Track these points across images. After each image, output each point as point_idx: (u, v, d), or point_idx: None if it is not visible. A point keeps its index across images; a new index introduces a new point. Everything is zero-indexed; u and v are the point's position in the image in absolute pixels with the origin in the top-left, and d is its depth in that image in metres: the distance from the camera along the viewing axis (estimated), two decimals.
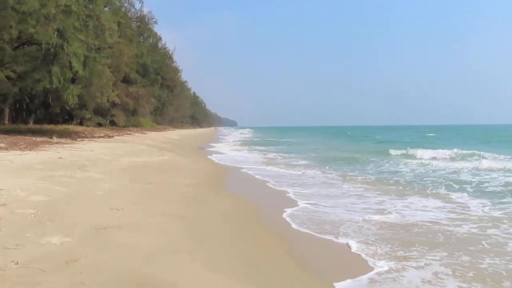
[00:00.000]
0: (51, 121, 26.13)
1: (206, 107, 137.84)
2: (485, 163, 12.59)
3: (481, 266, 3.85)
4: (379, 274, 3.62)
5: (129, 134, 28.12)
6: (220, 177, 10.56)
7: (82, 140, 17.50)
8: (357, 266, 3.84)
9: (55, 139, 15.30)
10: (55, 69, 16.38)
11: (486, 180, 9.66)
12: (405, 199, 7.39)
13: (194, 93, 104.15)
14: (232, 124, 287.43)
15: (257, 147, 26.44)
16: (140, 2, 40.05)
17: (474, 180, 9.71)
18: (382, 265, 3.81)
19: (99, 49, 18.40)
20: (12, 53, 17.31)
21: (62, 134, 18.25)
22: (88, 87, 20.35)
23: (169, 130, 49.06)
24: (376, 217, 5.75)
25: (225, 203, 6.86)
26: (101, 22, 17.58)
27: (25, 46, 18.15)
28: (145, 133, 31.96)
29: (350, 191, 8.27)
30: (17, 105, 24.91)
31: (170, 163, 12.39)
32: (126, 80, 34.22)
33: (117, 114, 35.23)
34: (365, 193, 8.01)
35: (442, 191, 8.36)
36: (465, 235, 4.89)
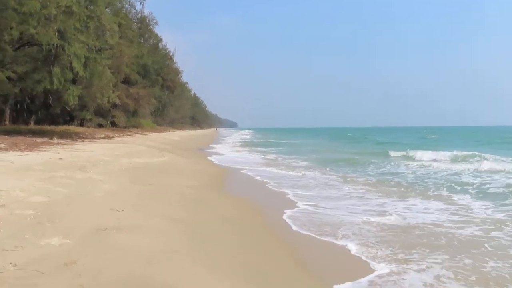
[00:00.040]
0: (51, 122, 26.15)
1: (207, 108, 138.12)
2: (486, 165, 12.55)
3: (484, 269, 3.80)
4: (379, 276, 3.59)
5: (129, 135, 28.12)
6: (221, 178, 10.53)
7: (83, 141, 17.49)
8: (358, 269, 3.81)
9: (55, 140, 15.30)
10: (56, 70, 16.40)
11: (488, 181, 9.62)
12: (407, 200, 7.36)
13: (195, 94, 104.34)
14: (232, 125, 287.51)
15: (257, 148, 26.42)
16: (140, 4, 40.06)
17: (475, 181, 9.67)
18: (382, 268, 3.78)
19: (99, 50, 18.41)
20: (13, 54, 17.33)
21: (62, 135, 18.25)
22: (89, 88, 20.36)
23: (169, 131, 49.06)
24: (377, 219, 5.72)
25: (225, 204, 6.83)
26: (102, 23, 17.61)
27: (26, 47, 18.18)
28: (146, 134, 31.96)
29: (351, 192, 8.24)
30: (18, 106, 24.92)
31: (170, 164, 12.37)
32: (127, 81, 34.25)
33: (118, 115, 35.24)
34: (366, 194, 7.98)
35: (444, 192, 8.32)
36: (467, 238, 4.85)
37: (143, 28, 42.19)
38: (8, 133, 15.32)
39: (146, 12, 43.03)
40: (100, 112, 31.38)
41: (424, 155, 17.17)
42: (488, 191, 8.35)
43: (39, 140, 14.51)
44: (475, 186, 9.03)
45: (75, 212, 4.79)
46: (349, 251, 4.34)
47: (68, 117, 28.54)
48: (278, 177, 10.75)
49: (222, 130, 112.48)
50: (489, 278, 3.59)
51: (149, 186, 7.52)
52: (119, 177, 8.13)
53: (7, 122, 21.64)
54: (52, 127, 22.34)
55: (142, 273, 3.19)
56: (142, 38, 42.60)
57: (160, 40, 49.83)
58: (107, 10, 21.25)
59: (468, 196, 7.83)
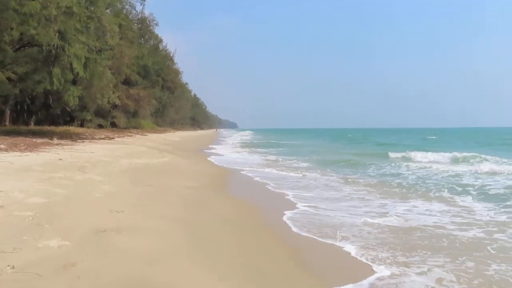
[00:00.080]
0: (52, 123, 26.15)
1: (207, 109, 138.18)
2: (487, 166, 12.52)
3: (487, 272, 3.75)
4: (380, 279, 3.56)
5: (129, 135, 28.11)
6: (221, 179, 10.51)
7: (83, 141, 17.48)
8: (358, 271, 3.77)
9: (55, 141, 15.28)
10: (56, 70, 16.40)
11: (489, 183, 9.58)
12: (408, 202, 7.32)
13: (195, 95, 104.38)
14: (232, 126, 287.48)
15: (257, 149, 26.39)
16: (141, 5, 40.08)
17: (476, 183, 9.64)
18: (383, 270, 3.74)
19: (100, 50, 18.41)
20: (13, 55, 17.33)
21: (62, 136, 18.24)
22: (89, 89, 20.35)
23: (169, 131, 49.05)
24: (378, 221, 5.68)
25: (225, 205, 6.81)
26: (102, 24, 17.62)
27: (26, 47, 18.18)
28: (146, 135, 31.96)
29: (352, 194, 8.20)
30: (18, 107, 24.92)
31: (170, 165, 12.34)
32: (127, 82, 34.25)
33: (118, 115, 35.25)
34: (367, 196, 7.95)
35: (445, 194, 8.28)
36: (470, 240, 4.80)
37: (143, 29, 42.23)
38: (8, 133, 15.31)
39: (146, 13, 43.20)
40: (100, 113, 31.38)
41: (424, 156, 17.15)
42: (490, 192, 8.31)
43: (39, 140, 14.50)
44: (476, 187, 9.00)
45: (74, 214, 4.76)
46: (350, 253, 4.30)
47: (68, 118, 28.54)
48: (278, 178, 10.72)
49: (222, 131, 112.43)
50: (492, 282, 3.54)
51: (149, 187, 7.49)
52: (119, 178, 8.10)
53: (7, 123, 21.64)
54: (52, 128, 22.34)
55: (142, 274, 3.16)
56: (142, 39, 42.63)
57: (161, 41, 49.91)
58: (108, 11, 21.27)
59: (470, 197, 7.79)
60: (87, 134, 22.16)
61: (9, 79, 17.61)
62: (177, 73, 55.89)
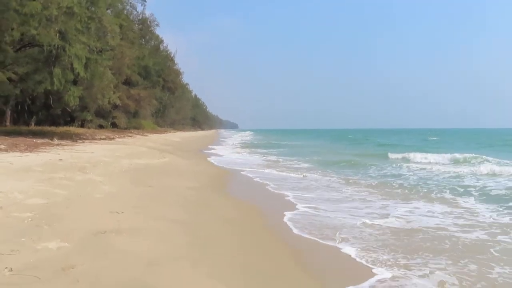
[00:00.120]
0: (52, 123, 26.15)
1: (207, 109, 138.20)
2: (488, 167, 12.47)
3: (490, 276, 3.70)
4: (380, 281, 3.52)
5: (130, 136, 28.12)
6: (222, 180, 10.48)
7: (83, 142, 17.47)
8: (358, 273, 3.74)
9: (56, 141, 15.27)
10: (57, 70, 16.39)
11: (490, 184, 9.55)
12: (410, 203, 7.28)
13: (196, 96, 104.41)
14: (233, 126, 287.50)
15: (258, 150, 26.36)
16: (142, 5, 40.13)
17: (478, 184, 9.60)
18: (384, 273, 3.70)
19: (100, 51, 18.41)
20: (14, 55, 17.34)
21: (63, 136, 18.24)
22: (90, 89, 20.35)
23: (170, 132, 49.05)
24: (379, 222, 5.64)
25: (225, 206, 6.78)
26: (103, 24, 17.62)
27: (27, 48, 18.19)
28: (146, 135, 31.96)
29: (353, 195, 8.17)
30: (19, 107, 24.94)
31: (171, 166, 12.32)
32: (128, 82, 34.26)
33: (119, 116, 35.26)
34: (368, 197, 7.91)
35: (447, 195, 8.24)
36: (472, 242, 4.76)
37: (144, 30, 42.24)
38: (8, 134, 15.30)
39: (147, 13, 43.18)
40: (100, 113, 31.39)
41: (424, 157, 17.11)
42: (491, 194, 8.27)
43: (39, 141, 14.49)
44: (478, 188, 8.95)
45: (74, 215, 4.74)
46: (350, 254, 4.26)
47: (69, 118, 28.55)
48: (279, 179, 10.69)
49: (223, 132, 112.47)
50: (495, 285, 3.50)
51: (149, 187, 7.47)
52: (120, 178, 8.08)
53: (7, 123, 21.65)
54: (53, 128, 22.35)
55: (142, 277, 3.13)
56: (143, 40, 42.64)
57: (161, 41, 49.94)
58: (108, 11, 21.28)
59: (472, 198, 7.75)
60: (87, 135, 22.15)
61: (9, 79, 17.62)
62: (177, 73, 55.93)
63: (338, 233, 5.06)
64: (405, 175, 11.87)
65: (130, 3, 34.15)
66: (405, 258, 4.11)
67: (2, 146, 11.18)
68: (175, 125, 67.82)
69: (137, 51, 33.25)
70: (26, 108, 25.28)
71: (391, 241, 4.73)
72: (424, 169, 13.09)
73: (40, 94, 21.14)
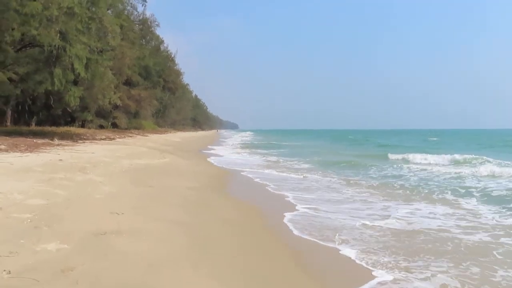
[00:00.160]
0: (53, 123, 26.16)
1: (208, 110, 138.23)
2: (489, 168, 12.44)
3: (494, 279, 3.64)
4: (381, 283, 3.49)
5: (130, 136, 28.12)
6: (222, 180, 10.46)
7: (84, 142, 17.46)
8: (358, 275, 3.70)
9: (56, 141, 15.27)
10: (57, 71, 16.39)
11: (491, 185, 9.52)
12: (411, 204, 7.25)
13: (196, 96, 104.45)
14: (233, 127, 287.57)
15: (258, 150, 26.34)
16: (142, 5, 40.12)
17: (479, 185, 9.57)
18: (384, 275, 3.66)
19: (101, 51, 18.41)
20: (14, 55, 17.34)
21: (63, 136, 18.24)
22: (90, 89, 20.35)
23: (170, 132, 49.07)
24: (380, 223, 5.61)
25: (226, 206, 6.76)
26: (104, 25, 17.62)
27: (28, 48, 18.19)
28: (147, 136, 31.96)
29: (354, 196, 8.14)
30: (19, 107, 24.95)
31: (171, 166, 12.30)
32: (128, 83, 34.26)
33: (119, 116, 35.26)
34: (369, 198, 7.88)
35: (449, 196, 8.21)
36: (475, 244, 4.71)
37: (144, 30, 42.26)
38: (9, 134, 15.30)
39: (147, 14, 43.13)
40: (101, 114, 31.39)
41: (424, 158, 17.08)
42: (493, 195, 8.24)
43: (40, 141, 14.48)
44: (479, 189, 8.92)
45: (74, 215, 4.71)
46: (350, 257, 4.23)
47: (69, 118, 28.56)
48: (279, 180, 10.66)
49: (223, 132, 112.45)
50: None
51: (149, 188, 7.45)
52: (120, 178, 8.06)
53: (8, 123, 21.66)
54: (53, 128, 22.35)
55: (142, 278, 3.11)
56: (143, 40, 42.66)
57: (162, 41, 49.96)
58: (109, 11, 21.28)
59: (474, 199, 7.71)
60: (88, 135, 22.15)
61: (10, 79, 17.62)
62: (178, 74, 55.93)
63: (338, 234, 5.03)
64: (406, 176, 11.84)
65: (131, 3, 34.16)
66: (406, 261, 4.07)
67: (3, 147, 11.17)
68: (175, 126, 67.84)
69: (137, 52, 33.25)
70: (26, 108, 25.29)
71: (392, 243, 4.69)
72: (425, 170, 13.06)
73: (40, 95, 21.14)
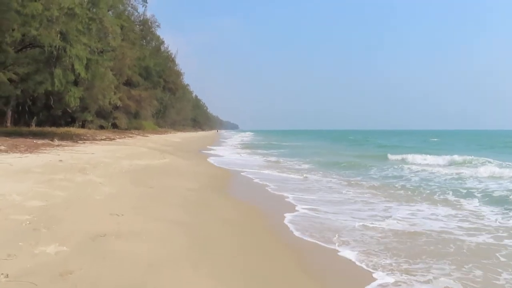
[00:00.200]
0: (53, 124, 26.15)
1: (208, 110, 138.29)
2: (490, 169, 12.41)
3: (497, 282, 3.59)
4: (382, 286, 3.45)
5: (130, 136, 28.11)
6: (222, 181, 10.43)
7: (84, 142, 17.44)
8: (358, 277, 3.67)
9: (56, 142, 15.25)
10: (58, 71, 16.39)
11: (493, 186, 9.49)
12: (413, 205, 7.22)
13: (196, 96, 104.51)
14: (233, 127, 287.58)
15: (258, 151, 26.31)
16: (143, 6, 40.12)
17: (480, 186, 9.54)
18: (385, 278, 3.62)
19: (101, 52, 18.41)
20: (14, 56, 17.34)
21: (63, 137, 18.22)
22: (90, 90, 20.34)
23: (170, 133, 49.08)
24: (381, 225, 5.57)
25: (226, 207, 6.74)
26: (104, 25, 17.61)
27: (28, 48, 18.18)
28: (147, 136, 31.96)
29: (355, 196, 8.10)
30: (20, 108, 24.93)
31: (171, 166, 12.27)
32: (129, 83, 34.25)
33: (119, 116, 35.26)
34: (371, 199, 7.85)
35: (450, 197, 8.18)
36: (478, 246, 4.67)
37: (145, 31, 42.24)
38: (9, 134, 15.28)
39: (148, 14, 43.13)
40: (101, 114, 31.38)
41: (424, 159, 17.04)
42: (494, 195, 8.20)
43: (40, 142, 14.46)
44: (480, 190, 8.89)
45: (73, 217, 4.68)
46: (350, 259, 4.19)
47: (70, 119, 28.55)
48: (279, 180, 10.64)
49: (223, 132, 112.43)
50: None
51: (150, 188, 7.42)
52: (120, 179, 8.03)
53: (8, 124, 21.65)
54: (53, 129, 22.34)
55: (142, 281, 3.08)
56: (144, 41, 42.65)
57: (162, 42, 49.93)
58: (110, 12, 21.29)
59: (476, 200, 7.68)
60: (88, 135, 22.14)
61: (10, 80, 17.60)
62: (178, 74, 55.91)
63: (338, 236, 4.99)
64: (407, 176, 11.81)
65: (131, 4, 34.17)
66: (407, 263, 4.03)
67: (2, 147, 11.14)
68: (175, 126, 67.85)
69: (138, 52, 33.24)
70: (26, 108, 25.28)
71: (393, 245, 4.65)
72: (425, 170, 13.02)
73: (40, 95, 21.13)
